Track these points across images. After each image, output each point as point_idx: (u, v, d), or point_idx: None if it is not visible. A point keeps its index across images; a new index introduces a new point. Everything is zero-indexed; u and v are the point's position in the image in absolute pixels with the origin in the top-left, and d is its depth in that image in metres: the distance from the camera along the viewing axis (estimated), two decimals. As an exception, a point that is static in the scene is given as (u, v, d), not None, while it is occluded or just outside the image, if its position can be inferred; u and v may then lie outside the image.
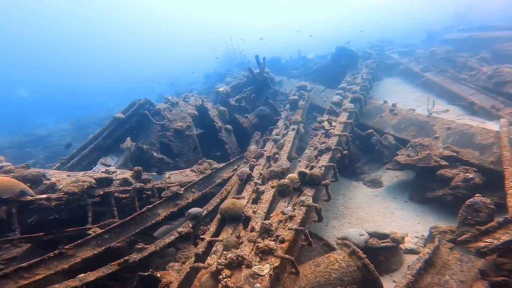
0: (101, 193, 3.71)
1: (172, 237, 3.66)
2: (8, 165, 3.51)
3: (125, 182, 3.98)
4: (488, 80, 6.95)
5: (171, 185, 4.39)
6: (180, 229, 3.79)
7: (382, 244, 3.07)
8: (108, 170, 4.14)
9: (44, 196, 3.27)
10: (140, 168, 4.23)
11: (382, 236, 3.33)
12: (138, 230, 3.52)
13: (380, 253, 3.11)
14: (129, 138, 5.74)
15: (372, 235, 3.37)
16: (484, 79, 7.10)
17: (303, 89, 7.91)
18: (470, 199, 3.11)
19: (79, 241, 3.11)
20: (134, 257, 3.19)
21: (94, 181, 3.63)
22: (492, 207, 2.96)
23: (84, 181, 3.52)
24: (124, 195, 4.07)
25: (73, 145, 8.94)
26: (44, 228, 3.24)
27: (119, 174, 4.15)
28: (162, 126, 5.50)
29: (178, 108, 5.93)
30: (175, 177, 4.67)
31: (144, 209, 3.74)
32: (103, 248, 3.21)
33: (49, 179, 3.63)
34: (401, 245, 3.34)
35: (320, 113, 7.79)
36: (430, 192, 4.22)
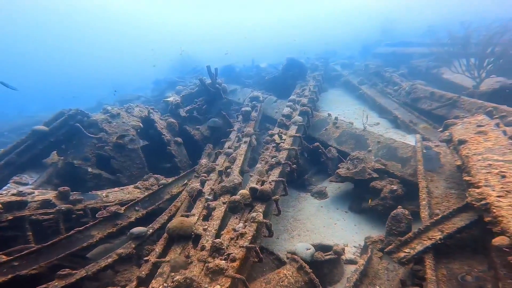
0: (10, 218, 3.15)
1: (110, 260, 3.32)
2: None
3: (46, 204, 3.45)
4: (406, 96, 8.01)
5: (109, 204, 3.98)
6: (120, 250, 3.47)
7: (326, 257, 3.32)
8: (22, 191, 3.53)
9: None
10: (67, 188, 3.73)
11: (326, 248, 3.59)
12: (61, 255, 3.08)
13: (325, 266, 3.35)
14: (55, 152, 5.00)
15: (318, 247, 3.61)
16: (404, 95, 8.17)
17: (256, 100, 8.10)
18: (394, 211, 3.53)
19: None
20: (55, 284, 2.77)
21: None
22: (410, 217, 3.43)
23: None
24: (45, 217, 3.54)
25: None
26: None
27: (37, 195, 3.58)
28: (100, 140, 4.96)
29: (120, 120, 5.42)
30: (115, 195, 4.25)
31: (73, 231, 3.31)
32: (9, 276, 2.72)
33: None
34: (342, 256, 3.65)
35: (272, 123, 8.07)
36: (365, 203, 4.69)
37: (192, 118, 6.70)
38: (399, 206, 3.63)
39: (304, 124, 6.11)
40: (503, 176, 2.76)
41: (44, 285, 2.66)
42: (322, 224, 4.68)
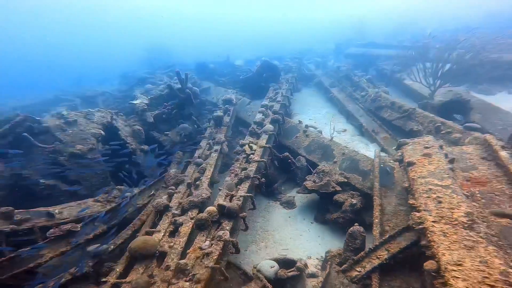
0: None
1: (62, 280, 3.17)
2: None
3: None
4: (371, 103, 8.18)
5: (63, 221, 3.76)
6: (73, 270, 3.31)
7: (289, 274, 3.48)
8: None
9: None
10: (10, 208, 3.44)
11: (290, 263, 3.72)
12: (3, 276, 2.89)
13: (288, 282, 3.51)
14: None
15: (282, 262, 3.75)
16: (369, 102, 8.32)
17: (229, 103, 8.01)
18: (351, 228, 3.71)
19: None
20: None
21: None
22: (364, 234, 3.65)
23: None
24: None
25: None
26: None
27: None
28: (53, 150, 4.59)
29: (77, 128, 5.04)
30: (71, 211, 4.01)
31: (20, 251, 3.10)
32: None
33: None
34: (305, 271, 3.82)
35: (245, 126, 8.05)
36: (328, 214, 4.87)
37: (160, 123, 6.44)
38: (356, 224, 3.82)
39: (274, 133, 6.20)
40: (439, 202, 2.93)
41: None
42: (289, 235, 4.81)
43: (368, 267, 3.04)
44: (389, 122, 7.37)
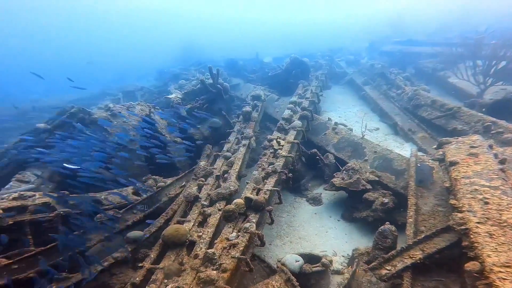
0: (11, 222, 3.31)
1: (106, 263, 3.49)
2: None
3: (46, 207, 3.61)
4: (408, 102, 7.78)
5: (107, 207, 4.14)
6: (116, 254, 3.63)
7: (313, 269, 3.48)
8: (23, 194, 3.67)
9: None
10: (66, 192, 3.87)
11: (315, 259, 3.73)
12: (59, 259, 3.26)
13: (312, 277, 3.51)
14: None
15: (307, 257, 3.75)
16: (406, 100, 7.92)
17: (258, 99, 8.08)
18: (382, 226, 3.63)
19: None
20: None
21: (1, 211, 3.21)
22: (396, 234, 3.55)
23: None
24: (45, 217, 3.69)
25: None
26: None
27: (38, 198, 3.72)
28: (101, 139, 5.06)
29: (121, 119, 5.50)
30: (114, 197, 4.39)
31: (72, 236, 3.48)
32: (5, 280, 2.90)
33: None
34: (330, 267, 3.79)
35: (273, 122, 8.10)
36: (357, 212, 4.77)
37: (193, 117, 6.74)
38: (387, 223, 3.72)
39: (303, 129, 6.14)
40: (486, 203, 2.82)
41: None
42: (314, 232, 4.79)
43: (400, 266, 2.98)
44: (428, 121, 6.97)
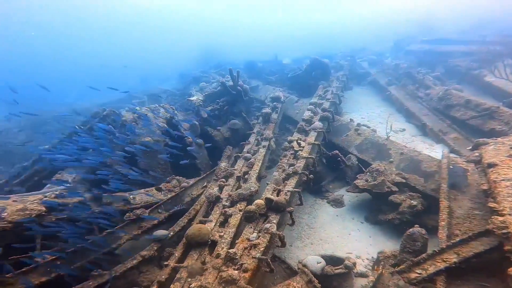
0: (53, 219, 3.57)
1: (135, 261, 3.65)
2: None
3: (81, 205, 3.86)
4: (439, 102, 7.46)
5: (135, 206, 4.33)
6: (143, 253, 3.78)
7: (336, 271, 3.40)
8: (62, 193, 3.95)
9: None
10: (99, 192, 4.12)
11: (337, 261, 3.66)
12: (94, 256, 3.47)
13: (334, 279, 3.43)
14: (91, 150, 5.46)
15: (329, 259, 3.68)
16: (436, 100, 7.61)
17: (277, 101, 8.08)
18: (410, 229, 3.51)
19: (23, 269, 3.00)
20: (90, 284, 3.14)
21: (44, 209, 3.48)
22: (426, 237, 3.41)
23: (32, 209, 3.35)
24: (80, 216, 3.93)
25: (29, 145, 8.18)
26: None
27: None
28: (128, 140, 5.33)
29: (147, 121, 5.77)
30: (140, 197, 4.59)
31: (104, 233, 3.68)
32: (52, 275, 3.13)
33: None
34: (353, 269, 3.69)
35: (292, 124, 8.06)
36: (382, 215, 4.62)
37: (213, 119, 6.89)
38: (416, 226, 3.58)
39: (324, 130, 6.04)
40: None
41: (79, 285, 3.02)
42: (336, 234, 4.71)
43: (431, 269, 2.89)
44: (461, 121, 6.63)
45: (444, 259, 2.92)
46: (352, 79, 11.36)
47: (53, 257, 3.19)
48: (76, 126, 5.29)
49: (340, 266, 3.45)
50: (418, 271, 2.92)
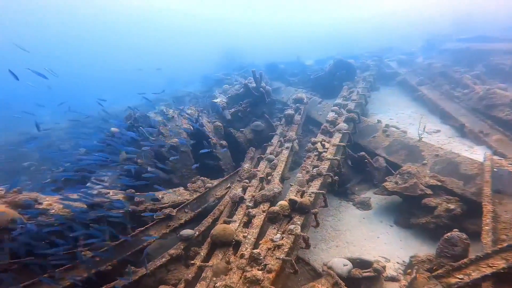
0: (93, 216, 3.81)
1: (163, 259, 3.77)
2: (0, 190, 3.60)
3: (117, 204, 4.09)
4: (479, 101, 6.99)
5: (164, 205, 4.49)
6: (171, 251, 3.89)
7: (364, 274, 3.26)
8: (101, 192, 4.22)
9: (34, 223, 3.39)
10: (133, 190, 4.33)
11: (365, 264, 3.52)
12: (129, 252, 3.64)
13: (362, 282, 3.30)
14: (123, 151, 5.79)
15: (356, 262, 3.55)
16: (475, 100, 7.14)
17: (300, 102, 8.00)
18: (448, 234, 3.34)
19: (68, 265, 3.22)
20: (123, 281, 3.30)
21: (85, 206, 3.73)
22: (468, 242, 3.22)
23: (76, 207, 3.61)
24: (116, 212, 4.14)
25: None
26: (35, 251, 3.31)
27: (111, 195, 4.24)
28: (157, 141, 5.58)
29: (173, 123, 6.00)
30: (168, 197, 4.77)
31: (137, 231, 3.85)
32: (93, 271, 3.32)
33: (41, 204, 3.71)
34: (383, 273, 3.52)
35: (316, 125, 7.92)
36: (414, 218, 4.41)
37: (236, 121, 6.98)
38: (455, 230, 3.38)
39: (349, 132, 5.85)
40: None
41: (115, 282, 3.20)
42: (363, 237, 4.57)
43: (475, 275, 2.77)
44: (506, 122, 6.17)
45: (490, 265, 2.79)
46: (379, 80, 10.93)
47: (93, 254, 3.39)
48: (112, 129, 5.62)
49: (369, 270, 3.32)
50: (459, 276, 2.80)
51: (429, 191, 4.29)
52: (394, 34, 22.35)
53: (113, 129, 5.66)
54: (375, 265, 3.38)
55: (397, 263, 3.93)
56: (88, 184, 4.60)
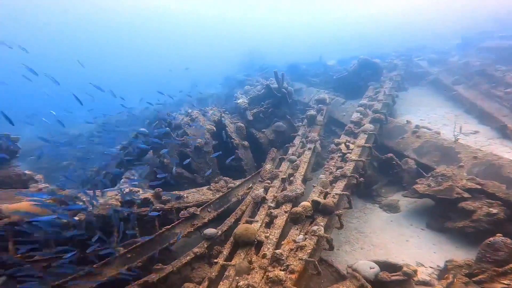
0: (126, 214, 4.01)
1: (188, 257, 3.85)
2: (47, 186, 3.91)
3: (146, 202, 4.26)
4: None
5: (188, 204, 4.60)
6: (195, 250, 3.96)
7: (392, 278, 3.09)
8: (132, 190, 4.43)
9: (77, 219, 3.64)
10: (160, 189, 4.49)
11: (393, 267, 3.36)
12: (157, 250, 3.77)
13: (390, 286, 3.13)
14: (151, 151, 6.05)
15: (383, 264, 3.38)
16: None
17: (322, 103, 7.84)
18: (491, 238, 3.12)
19: (105, 261, 3.40)
20: (153, 277, 3.43)
21: (119, 204, 3.94)
22: None
23: (111, 204, 3.84)
24: (145, 211, 4.32)
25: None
26: (77, 245, 3.53)
27: (141, 193, 4.43)
28: (182, 143, 5.75)
29: (198, 124, 6.16)
30: (193, 196, 4.88)
31: (164, 229, 3.97)
32: (126, 267, 3.48)
33: (82, 200, 3.98)
34: (414, 278, 3.32)
35: (339, 126, 7.70)
36: (449, 222, 4.16)
37: (257, 122, 6.99)
38: (498, 234, 3.15)
39: (375, 133, 5.62)
40: None
41: (146, 278, 3.35)
42: (391, 240, 4.39)
43: None
44: None
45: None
46: (407, 79, 10.42)
47: (126, 250, 3.56)
48: (142, 129, 5.90)
49: (398, 273, 3.14)
50: (505, 282, 2.64)
51: (466, 195, 4.01)
52: (425, 32, 21.12)
53: (141, 129, 5.95)
54: (405, 268, 3.21)
55: (431, 267, 3.75)
56: (120, 182, 4.85)
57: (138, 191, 4.46)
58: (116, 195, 4.12)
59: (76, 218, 3.58)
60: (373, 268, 3.23)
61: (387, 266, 3.43)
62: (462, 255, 3.83)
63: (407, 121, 6.33)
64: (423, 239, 4.30)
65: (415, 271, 3.33)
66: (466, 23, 18.42)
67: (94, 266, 3.29)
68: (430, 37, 18.27)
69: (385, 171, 5.64)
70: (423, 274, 3.61)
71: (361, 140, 5.42)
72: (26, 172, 4.41)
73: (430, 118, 7.67)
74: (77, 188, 4.22)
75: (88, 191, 4.06)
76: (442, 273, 3.51)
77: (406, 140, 5.78)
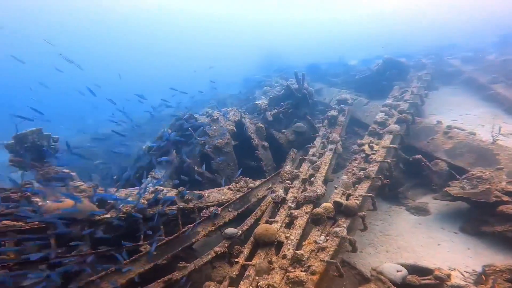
0: (151, 212, 4.17)
1: (209, 256, 3.90)
2: (81, 184, 4.17)
3: (170, 201, 4.41)
4: None
5: (209, 204, 4.67)
6: (216, 249, 4.00)
7: (422, 282, 2.92)
8: (157, 189, 4.59)
9: (108, 215, 3.84)
10: (183, 188, 4.62)
11: (423, 271, 3.17)
12: (180, 248, 3.88)
13: (420, 291, 2.94)
14: (174, 151, 6.23)
15: (411, 268, 3.22)
16: None
17: (344, 103, 7.64)
18: None
19: (132, 258, 3.55)
20: (177, 275, 3.53)
21: (146, 202, 4.12)
22: None
23: (142, 202, 4.04)
24: (169, 209, 4.44)
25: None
26: (106, 242, 3.70)
27: (166, 192, 4.59)
28: (203, 143, 5.87)
29: (218, 124, 6.24)
30: (214, 196, 4.94)
31: (186, 228, 4.07)
32: (152, 264, 3.62)
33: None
34: (447, 282, 3.11)
35: (361, 127, 7.46)
36: (486, 226, 3.90)
37: (277, 123, 6.95)
38: None
39: (401, 134, 5.37)
40: None
41: (170, 275, 3.45)
42: (419, 243, 4.18)
43: None
44: None
45: None
46: (438, 78, 9.87)
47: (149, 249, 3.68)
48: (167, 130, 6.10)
49: (429, 277, 2.96)
50: None
51: (506, 198, 3.73)
52: (458, 30, 19.82)
53: (165, 129, 6.15)
54: (437, 272, 3.02)
55: (466, 272, 3.53)
56: (146, 180, 5.04)
57: (163, 190, 4.62)
58: (142, 194, 4.29)
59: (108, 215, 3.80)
60: (400, 271, 3.09)
61: (415, 270, 3.27)
62: (500, 259, 3.59)
63: (437, 121, 6.00)
64: (457, 243, 4.07)
65: (448, 275, 3.14)
66: (504, 21, 17.06)
67: (124, 262, 3.43)
68: (463, 35, 17.17)
69: (412, 173, 5.37)
70: (457, 279, 3.40)
71: (386, 141, 5.21)
72: (64, 170, 4.73)
73: (463, 118, 7.20)
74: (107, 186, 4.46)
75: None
76: (479, 278, 3.28)
77: (437, 141, 5.48)
